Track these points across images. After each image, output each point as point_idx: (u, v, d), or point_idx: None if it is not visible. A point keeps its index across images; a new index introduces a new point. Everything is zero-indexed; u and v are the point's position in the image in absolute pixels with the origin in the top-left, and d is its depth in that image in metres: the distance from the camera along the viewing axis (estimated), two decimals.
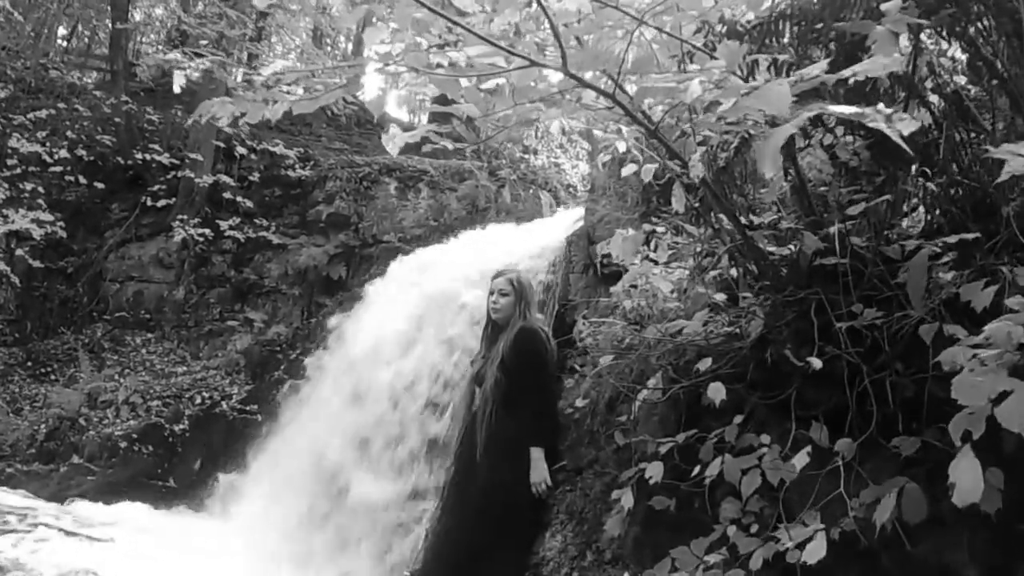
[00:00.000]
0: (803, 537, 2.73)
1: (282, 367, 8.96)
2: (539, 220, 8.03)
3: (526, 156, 10.79)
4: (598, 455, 4.18)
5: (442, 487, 4.68)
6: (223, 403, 9.14)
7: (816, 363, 2.68)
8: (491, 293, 4.37)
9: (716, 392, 2.95)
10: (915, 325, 2.77)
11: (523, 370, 4.12)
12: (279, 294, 9.90)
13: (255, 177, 10.45)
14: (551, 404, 4.22)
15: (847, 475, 2.81)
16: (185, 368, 9.75)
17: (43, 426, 10.12)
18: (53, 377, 11.03)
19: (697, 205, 3.13)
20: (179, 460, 9.22)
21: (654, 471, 3.14)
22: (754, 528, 2.94)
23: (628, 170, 3.98)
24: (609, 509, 3.85)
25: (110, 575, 7.19)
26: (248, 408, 8.99)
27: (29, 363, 11.33)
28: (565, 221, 7.75)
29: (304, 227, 10.20)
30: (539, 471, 4.14)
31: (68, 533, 8.36)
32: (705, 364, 3.08)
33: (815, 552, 2.41)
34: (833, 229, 2.70)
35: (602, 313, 4.73)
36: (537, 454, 4.15)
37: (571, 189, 10.64)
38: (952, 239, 2.69)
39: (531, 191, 9.55)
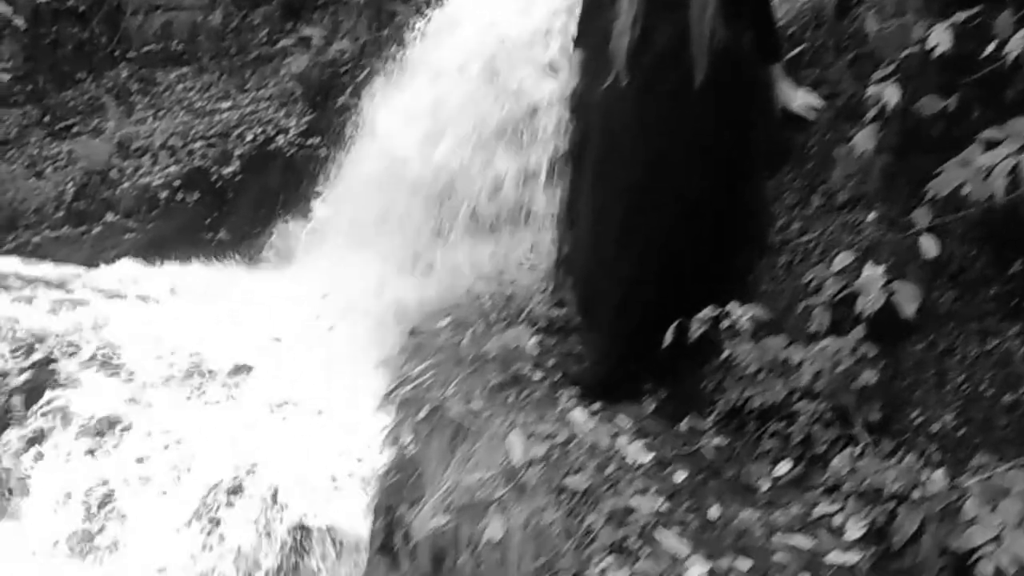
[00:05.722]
0: None
1: (348, 90, 8.19)
2: None
3: None
4: (824, 74, 3.53)
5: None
6: (279, 138, 8.46)
7: None
8: None
9: None
10: None
11: None
12: (340, 4, 8.88)
13: None
14: None
15: None
16: (230, 103, 9.06)
17: (69, 185, 9.64)
18: (76, 131, 10.49)
19: None
20: (230, 208, 8.67)
21: (940, 38, 2.43)
22: None
23: None
24: (841, 139, 3.33)
25: (166, 337, 6.86)
26: (309, 142, 8.31)
27: (46, 120, 10.79)
28: None
29: None
30: (797, 93, 3.54)
31: (110, 296, 8.03)
32: None
33: None
34: None
35: None
36: (780, 71, 3.55)
37: None
38: None
39: None
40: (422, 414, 3.22)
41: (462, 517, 2.78)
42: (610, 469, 2.88)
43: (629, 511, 2.68)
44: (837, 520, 2.91)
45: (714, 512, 2.89)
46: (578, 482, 2.77)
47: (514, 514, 2.69)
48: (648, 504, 2.74)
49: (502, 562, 2.70)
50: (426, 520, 2.85)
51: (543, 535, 2.65)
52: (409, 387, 3.39)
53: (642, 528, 2.64)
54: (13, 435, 6.03)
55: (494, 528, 2.63)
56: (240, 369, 6.17)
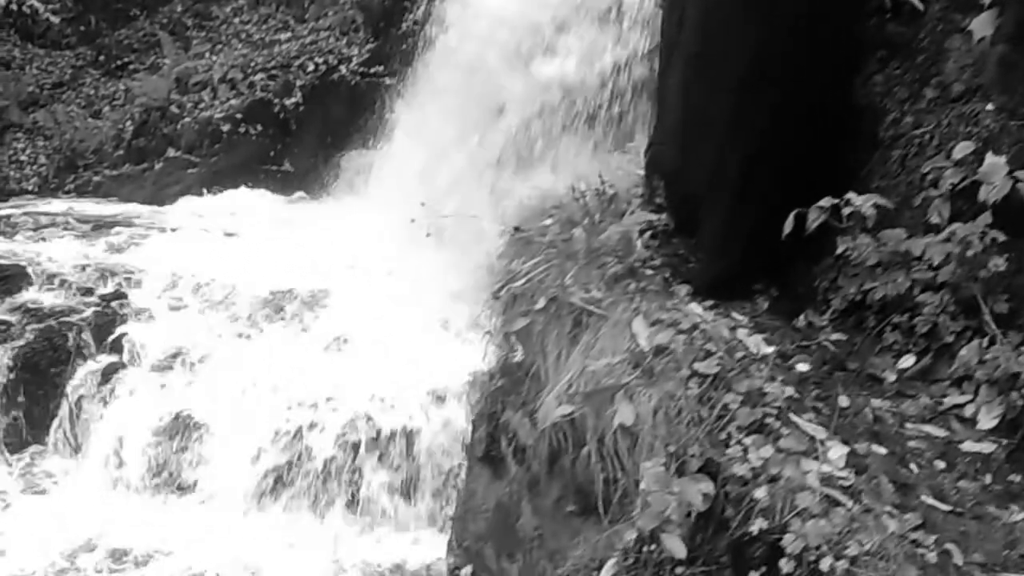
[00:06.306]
0: None
1: (410, 16, 8.15)
2: None
3: None
4: None
5: None
6: (341, 68, 8.46)
7: None
8: None
9: None
10: None
11: None
12: None
13: None
14: None
15: None
16: (290, 33, 9.05)
17: (128, 123, 9.70)
18: (132, 68, 10.54)
19: None
20: (294, 140, 8.71)
21: None
22: None
23: None
24: (954, 30, 3.22)
25: (234, 270, 6.89)
26: (373, 70, 8.28)
27: (101, 59, 10.84)
28: None
29: None
30: None
31: (175, 230, 8.07)
32: None
33: None
34: None
35: None
36: None
37: None
38: None
39: None
40: (539, 304, 3.20)
41: (588, 404, 2.76)
42: (737, 355, 2.86)
43: (763, 394, 2.66)
44: (968, 411, 2.87)
45: (843, 401, 2.86)
46: (707, 367, 2.74)
47: (643, 399, 2.67)
48: (778, 390, 2.72)
49: (633, 447, 2.69)
50: (550, 409, 2.83)
51: (675, 418, 2.62)
52: (521, 282, 3.36)
53: (778, 410, 2.62)
54: (85, 370, 6.14)
55: (624, 413, 2.61)
56: (319, 294, 6.20)
